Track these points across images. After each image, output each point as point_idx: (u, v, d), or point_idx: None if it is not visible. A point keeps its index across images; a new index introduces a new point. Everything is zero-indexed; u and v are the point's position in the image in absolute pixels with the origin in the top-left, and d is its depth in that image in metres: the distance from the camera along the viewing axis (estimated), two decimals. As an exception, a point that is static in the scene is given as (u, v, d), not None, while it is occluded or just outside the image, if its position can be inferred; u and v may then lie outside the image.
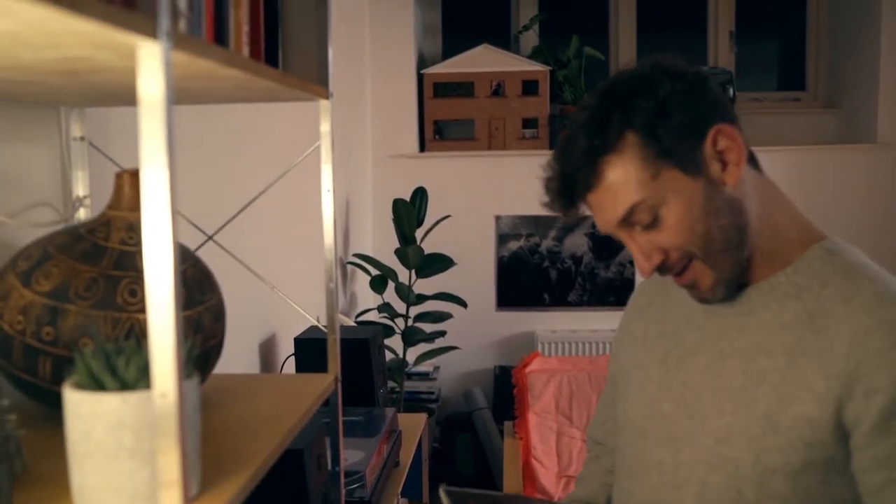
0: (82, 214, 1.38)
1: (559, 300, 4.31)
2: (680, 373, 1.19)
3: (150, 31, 0.64)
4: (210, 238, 1.41)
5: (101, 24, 0.56)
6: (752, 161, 1.18)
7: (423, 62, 4.57)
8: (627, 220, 1.10)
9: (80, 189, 1.40)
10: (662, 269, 1.13)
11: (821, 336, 1.08)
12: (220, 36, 0.99)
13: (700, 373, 1.17)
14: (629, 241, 1.13)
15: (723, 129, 1.10)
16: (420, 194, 3.78)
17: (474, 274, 4.26)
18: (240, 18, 1.05)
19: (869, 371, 1.03)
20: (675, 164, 1.07)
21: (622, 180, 1.07)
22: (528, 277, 4.31)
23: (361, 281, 3.81)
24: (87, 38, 0.62)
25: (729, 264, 1.12)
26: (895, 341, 1.03)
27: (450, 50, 4.62)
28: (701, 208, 1.08)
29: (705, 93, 1.11)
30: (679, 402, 1.18)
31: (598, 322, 4.21)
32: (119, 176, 1.13)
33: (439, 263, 3.72)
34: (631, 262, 4.31)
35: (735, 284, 1.15)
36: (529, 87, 4.30)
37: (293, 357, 2.31)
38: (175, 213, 0.69)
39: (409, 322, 3.72)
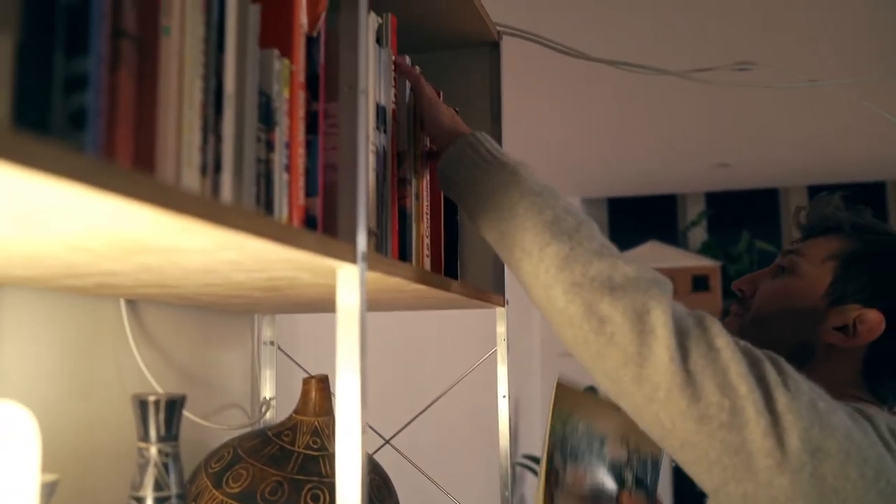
0: (268, 416, 1.45)
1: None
2: None
3: (350, 256, 0.70)
4: (387, 442, 1.44)
5: (309, 253, 0.62)
6: (871, 382, 1.09)
7: (589, 260, 4.62)
8: (782, 260, 1.15)
9: (267, 391, 1.47)
10: (740, 297, 1.17)
11: None
12: (403, 251, 1.05)
13: None
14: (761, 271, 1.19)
15: (875, 317, 1.06)
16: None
17: (648, 477, 4.06)
18: (422, 233, 1.12)
19: None
20: (834, 273, 1.09)
21: (817, 251, 1.13)
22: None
23: (531, 483, 3.71)
24: (294, 263, 0.69)
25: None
26: None
27: (618, 246, 4.66)
28: (796, 302, 1.10)
29: None
30: None
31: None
32: (307, 381, 1.19)
33: (611, 465, 3.58)
34: None
35: None
36: (699, 282, 4.25)
37: (462, 564, 2.24)
38: (366, 417, 0.71)
39: (581, 528, 3.55)
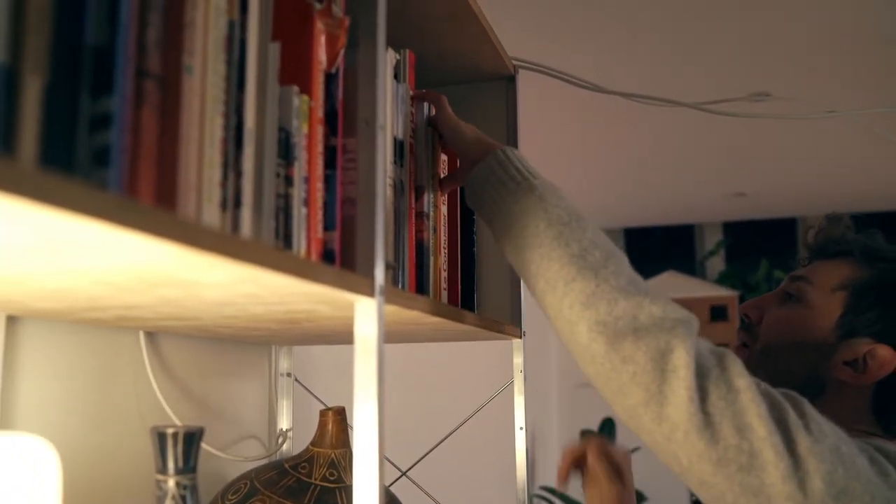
0: (285, 448, 1.45)
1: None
2: None
3: (368, 290, 0.70)
4: (404, 474, 1.43)
5: (327, 286, 0.63)
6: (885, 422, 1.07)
7: (606, 290, 4.61)
8: (790, 286, 1.13)
9: (283, 422, 1.47)
10: (746, 323, 1.16)
11: None
12: (421, 283, 1.06)
13: None
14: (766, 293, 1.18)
15: (885, 353, 1.04)
16: (608, 425, 3.68)
17: (668, 510, 4.01)
18: (439, 265, 1.12)
19: None
20: (844, 305, 1.07)
21: (826, 278, 1.10)
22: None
23: (548, 515, 3.68)
24: (312, 296, 0.69)
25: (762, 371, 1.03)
26: None
27: (633, 278, 4.65)
28: (805, 335, 1.07)
29: None
30: None
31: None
32: (323, 413, 1.19)
33: (630, 498, 3.55)
34: None
35: None
36: (717, 312, 4.22)
37: None
38: (383, 449, 0.71)
39: (600, 562, 3.52)
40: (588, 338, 0.86)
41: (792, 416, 0.83)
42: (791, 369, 1.08)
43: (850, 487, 0.80)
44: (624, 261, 0.92)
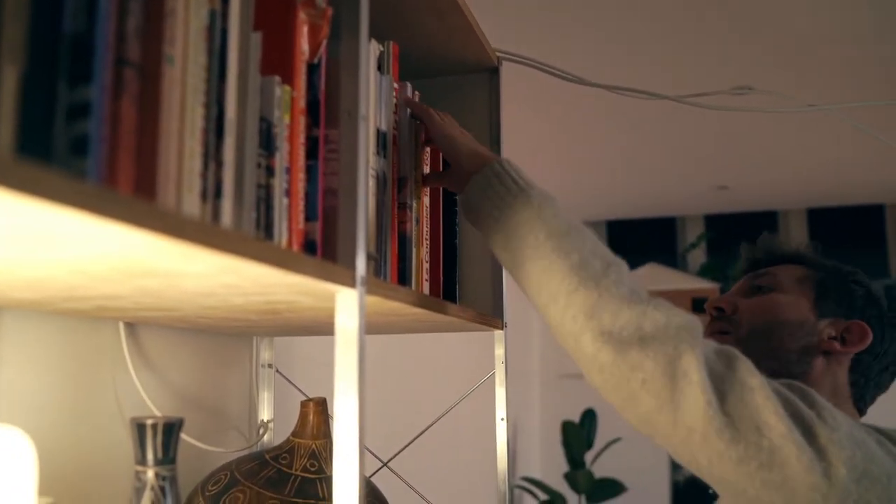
0: (266, 439, 1.45)
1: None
2: None
3: (349, 281, 0.70)
4: (385, 465, 1.43)
5: (308, 277, 0.63)
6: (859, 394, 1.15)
7: (588, 282, 4.62)
8: (758, 280, 1.21)
9: (264, 413, 1.47)
10: (719, 315, 1.20)
11: None
12: (403, 275, 1.06)
13: None
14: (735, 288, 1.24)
15: (860, 327, 1.13)
16: (589, 416, 3.70)
17: (647, 500, 4.03)
18: (421, 257, 1.12)
19: None
20: (813, 291, 1.16)
21: (786, 274, 1.20)
22: (706, 506, 4.04)
23: (529, 505, 3.69)
24: (293, 287, 0.69)
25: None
26: None
27: (615, 270, 4.66)
28: (790, 314, 1.14)
29: (877, 306, 1.18)
30: None
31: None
32: (304, 404, 1.19)
33: (610, 489, 3.57)
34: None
35: None
36: (699, 304, 4.25)
37: (460, 588, 2.23)
38: (363, 440, 0.71)
39: (580, 552, 3.54)
40: (594, 348, 0.86)
41: (805, 409, 0.85)
42: (784, 344, 1.14)
43: (868, 470, 0.83)
44: (623, 269, 0.93)
